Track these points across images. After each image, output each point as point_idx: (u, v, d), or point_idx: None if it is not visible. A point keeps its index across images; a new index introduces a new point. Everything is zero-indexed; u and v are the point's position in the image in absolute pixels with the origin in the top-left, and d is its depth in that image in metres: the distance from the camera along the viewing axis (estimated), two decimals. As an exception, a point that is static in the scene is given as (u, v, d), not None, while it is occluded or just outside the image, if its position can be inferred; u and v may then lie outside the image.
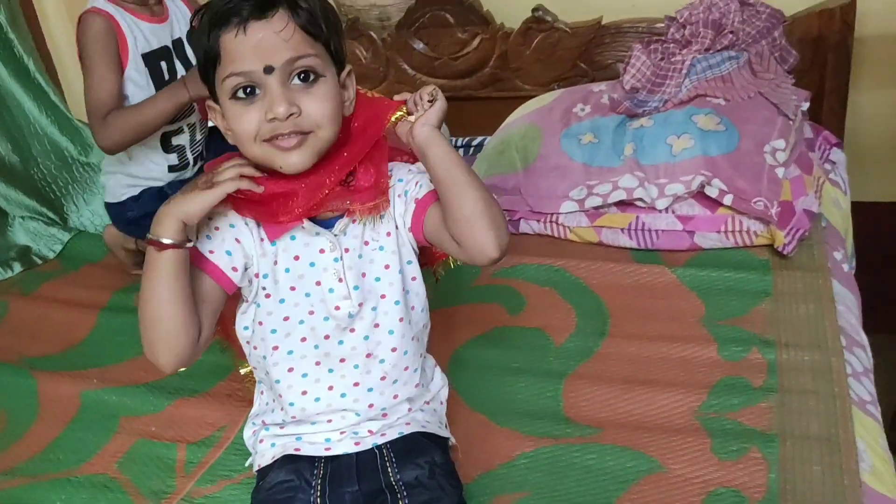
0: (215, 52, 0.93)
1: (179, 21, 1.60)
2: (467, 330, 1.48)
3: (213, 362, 1.46)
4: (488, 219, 0.93)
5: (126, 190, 1.65)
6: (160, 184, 1.64)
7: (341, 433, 1.07)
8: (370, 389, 1.05)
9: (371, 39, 2.13)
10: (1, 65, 1.91)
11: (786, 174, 1.60)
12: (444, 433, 1.13)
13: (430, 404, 1.14)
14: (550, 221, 1.70)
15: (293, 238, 1.01)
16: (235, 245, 0.99)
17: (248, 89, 0.93)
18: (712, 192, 1.56)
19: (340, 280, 1.01)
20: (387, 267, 1.04)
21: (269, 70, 0.92)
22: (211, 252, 0.98)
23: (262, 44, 0.91)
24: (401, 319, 1.04)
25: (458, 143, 2.17)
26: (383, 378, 1.05)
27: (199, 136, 1.68)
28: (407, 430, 1.08)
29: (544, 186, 1.71)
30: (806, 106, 1.76)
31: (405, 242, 1.05)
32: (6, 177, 1.96)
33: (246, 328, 1.06)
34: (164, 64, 1.57)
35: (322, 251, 1.01)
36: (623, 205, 1.64)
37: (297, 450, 1.07)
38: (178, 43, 1.60)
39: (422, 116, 0.99)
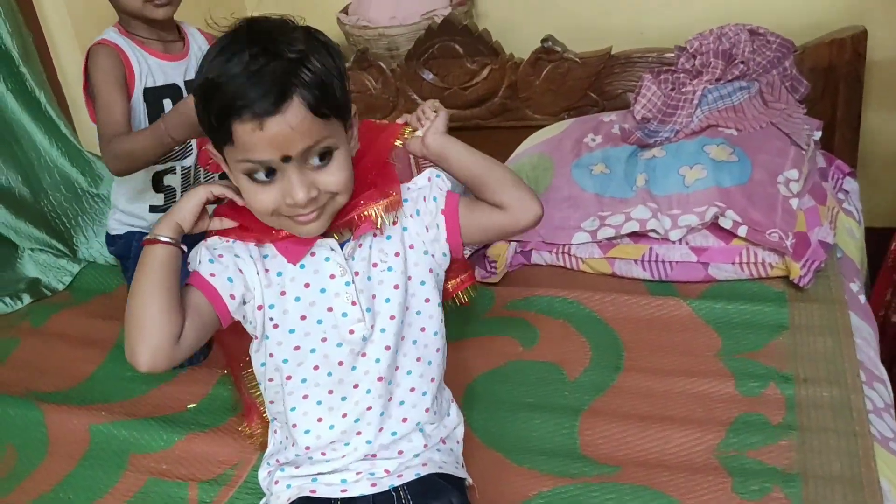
0: (227, 137, 0.92)
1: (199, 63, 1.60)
2: (481, 363, 1.47)
3: (224, 397, 1.45)
4: (524, 184, 1.09)
5: (117, 226, 1.66)
6: (144, 223, 1.63)
7: (357, 474, 1.06)
8: (382, 413, 1.05)
9: (380, 70, 2.14)
10: (13, 98, 1.91)
11: (800, 205, 1.59)
12: (462, 474, 1.12)
13: (447, 444, 1.12)
14: (563, 252, 1.69)
15: (302, 267, 1.01)
16: (238, 274, 1.00)
17: (267, 172, 0.93)
18: (726, 223, 1.55)
19: (354, 303, 1.01)
20: (396, 287, 1.04)
21: (286, 160, 0.92)
22: (212, 275, 1.00)
23: (278, 138, 0.90)
24: (403, 338, 1.05)
25: (468, 173, 2.16)
26: (390, 399, 1.05)
27: (193, 183, 1.66)
28: (424, 472, 1.07)
29: (556, 217, 1.71)
30: (818, 135, 1.76)
31: (419, 262, 1.06)
32: (15, 209, 1.96)
33: (263, 364, 1.06)
34: (168, 102, 1.56)
35: (332, 276, 1.02)
36: (636, 236, 1.63)
37: (312, 492, 1.05)
38: (191, 84, 1.59)
39: (430, 127, 1.05)
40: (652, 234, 1.61)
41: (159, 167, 1.58)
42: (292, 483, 1.08)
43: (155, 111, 1.54)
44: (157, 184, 1.62)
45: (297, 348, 1.02)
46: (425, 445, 1.08)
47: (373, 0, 2.22)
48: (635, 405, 1.32)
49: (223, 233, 1.03)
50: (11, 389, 1.56)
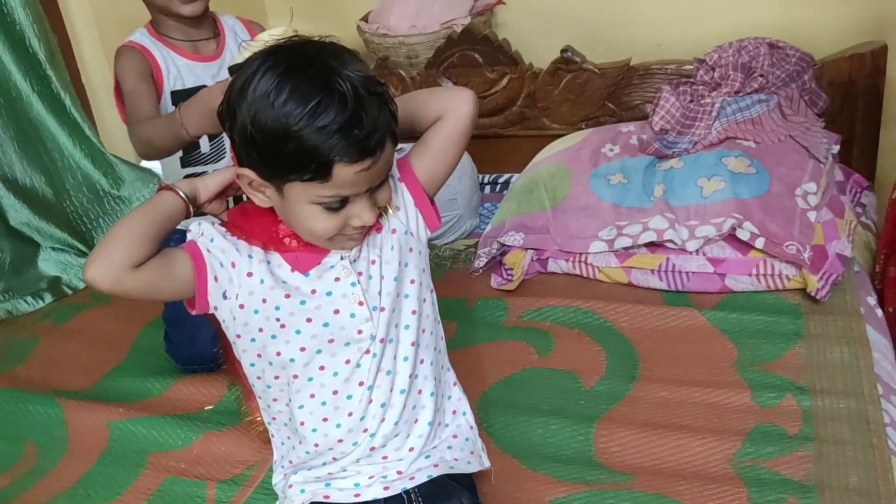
0: (324, 176, 0.90)
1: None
2: (496, 370, 1.48)
3: (241, 398, 1.46)
4: (438, 89, 1.13)
5: None
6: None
7: (370, 478, 1.07)
8: (383, 405, 1.06)
9: (400, 78, 2.16)
10: (38, 100, 1.93)
11: (818, 218, 1.59)
12: (476, 466, 1.13)
13: (458, 437, 1.13)
14: (579, 261, 1.69)
15: (307, 276, 1.02)
16: (230, 267, 1.00)
17: (341, 200, 0.94)
18: (744, 235, 1.56)
19: (361, 303, 1.02)
20: (394, 279, 1.05)
21: (369, 190, 0.95)
22: (208, 251, 1.00)
23: (375, 173, 0.94)
24: (396, 325, 1.06)
25: (485, 181, 2.18)
26: (391, 390, 1.06)
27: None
28: (435, 473, 1.08)
29: (573, 226, 1.71)
30: (836, 149, 1.76)
31: (402, 245, 1.06)
32: (39, 209, 1.99)
33: (252, 364, 1.06)
34: None
35: (337, 279, 1.02)
36: (653, 246, 1.63)
37: (326, 497, 1.06)
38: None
39: None
40: (669, 245, 1.61)
41: (190, 170, 1.57)
42: (306, 488, 1.09)
43: None
44: None
45: (302, 349, 1.03)
46: (431, 435, 1.09)
47: (393, 9, 2.25)
48: (651, 414, 1.33)
49: (233, 230, 1.03)
50: (32, 387, 1.59)
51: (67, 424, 1.47)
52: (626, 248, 1.64)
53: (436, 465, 1.08)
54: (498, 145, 2.14)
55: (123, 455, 1.38)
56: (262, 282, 1.00)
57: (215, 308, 1.02)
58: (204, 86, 1.52)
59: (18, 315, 1.89)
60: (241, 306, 1.01)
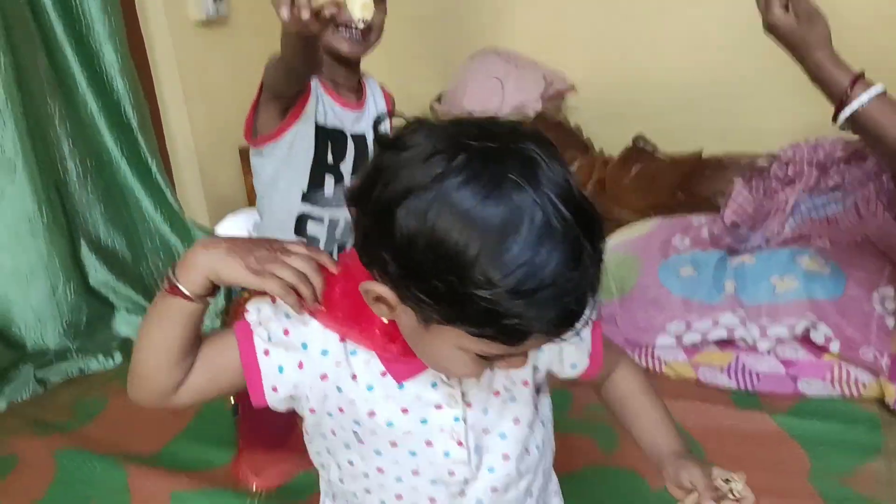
0: (512, 343, 0.65)
1: (370, 119, 1.52)
2: (560, 464, 1.43)
3: (303, 482, 1.46)
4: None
5: None
6: None
7: None
8: None
9: (471, 158, 2.20)
10: (126, 164, 2.02)
11: (896, 324, 1.55)
12: None
13: None
14: (645, 354, 1.67)
15: (401, 387, 0.78)
16: (295, 369, 0.77)
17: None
18: (818, 337, 1.53)
19: (460, 444, 0.80)
20: (516, 421, 0.83)
21: None
22: (266, 352, 0.77)
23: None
24: (519, 473, 0.86)
25: (550, 263, 2.18)
26: None
27: (339, 240, 1.48)
28: None
29: (641, 317, 1.70)
30: (916, 253, 1.72)
31: (537, 383, 0.87)
32: (117, 271, 2.05)
33: (318, 453, 0.87)
34: (330, 144, 1.45)
35: (439, 407, 0.79)
36: (723, 343, 1.61)
37: None
38: (359, 139, 1.48)
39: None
40: (739, 343, 1.59)
41: (307, 207, 1.46)
42: None
43: (319, 151, 1.43)
44: (300, 228, 1.48)
45: (380, 470, 0.82)
46: None
47: (466, 91, 2.30)
48: (719, 522, 1.28)
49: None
50: (99, 447, 1.61)
51: (131, 492, 1.48)
52: (694, 345, 1.62)
53: None
54: (565, 229, 2.15)
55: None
56: (339, 390, 0.78)
57: (291, 408, 0.82)
58: (342, 131, 1.47)
59: (89, 373, 1.93)
60: (312, 410, 0.80)
